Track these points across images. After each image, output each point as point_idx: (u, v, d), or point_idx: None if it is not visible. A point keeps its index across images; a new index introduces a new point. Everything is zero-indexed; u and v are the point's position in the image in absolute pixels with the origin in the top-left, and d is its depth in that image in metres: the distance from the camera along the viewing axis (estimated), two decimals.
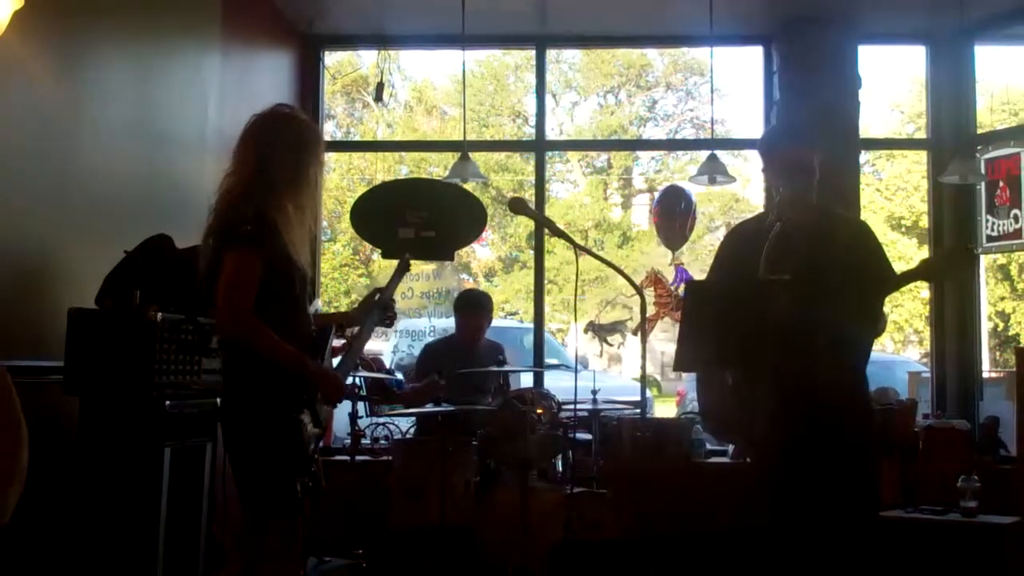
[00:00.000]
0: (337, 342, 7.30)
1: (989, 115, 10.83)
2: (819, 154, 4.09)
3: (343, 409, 6.66)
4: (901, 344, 19.97)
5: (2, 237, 3.66)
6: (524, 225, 18.28)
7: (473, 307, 6.44)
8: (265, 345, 3.34)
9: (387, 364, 8.24)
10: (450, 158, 7.18)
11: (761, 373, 3.91)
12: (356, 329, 4.04)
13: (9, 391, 3.14)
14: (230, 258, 3.32)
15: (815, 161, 4.06)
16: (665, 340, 18.73)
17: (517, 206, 4.33)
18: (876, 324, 4.00)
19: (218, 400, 3.63)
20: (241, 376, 3.44)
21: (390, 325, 4.21)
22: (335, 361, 4.06)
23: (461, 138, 7.14)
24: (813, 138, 4.15)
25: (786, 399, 3.87)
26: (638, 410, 5.94)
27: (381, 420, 7.15)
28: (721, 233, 21.64)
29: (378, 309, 4.03)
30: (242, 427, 3.44)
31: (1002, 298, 19.31)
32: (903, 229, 18.72)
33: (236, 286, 3.31)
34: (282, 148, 3.49)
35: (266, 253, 3.34)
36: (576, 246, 4.26)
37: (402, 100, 20.65)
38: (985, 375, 7.52)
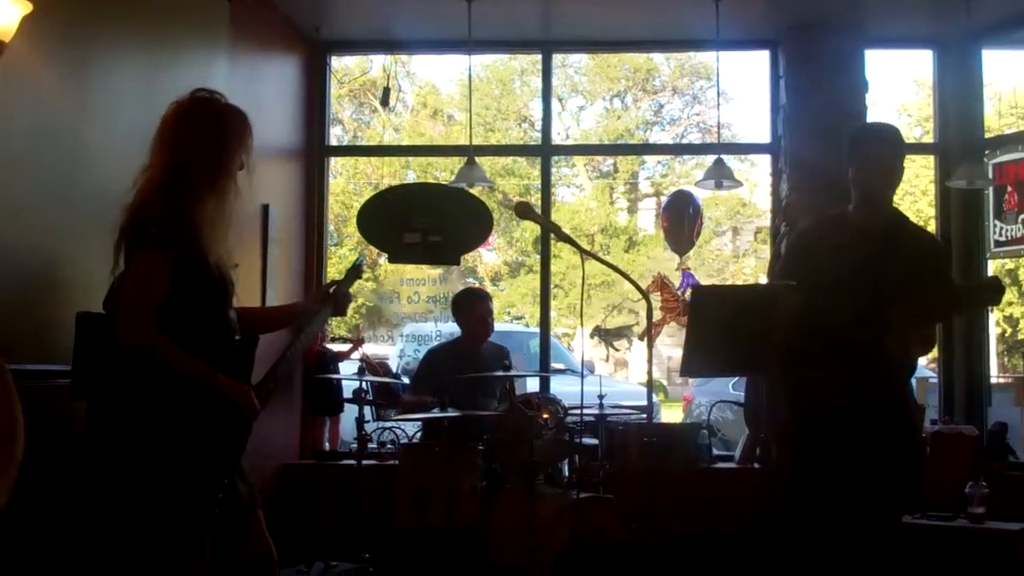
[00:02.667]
0: (343, 347, 7.35)
1: (997, 119, 10.82)
2: (902, 159, 4.04)
3: (350, 413, 6.67)
4: None
5: (10, 241, 3.66)
6: (530, 229, 18.29)
7: (473, 300, 6.44)
8: (167, 356, 3.12)
9: (393, 368, 8.25)
10: (456, 162, 7.18)
11: (776, 377, 3.94)
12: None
13: (4, 382, 2.82)
14: (135, 260, 3.14)
15: (897, 165, 4.01)
16: (672, 345, 18.76)
17: (523, 211, 4.31)
18: (918, 343, 3.94)
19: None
20: (139, 390, 3.19)
21: (343, 314, 3.99)
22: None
23: (467, 143, 7.13)
24: (898, 141, 4.10)
25: (802, 405, 3.89)
26: (645, 415, 5.93)
27: (387, 425, 7.16)
28: (728, 238, 21.66)
29: (330, 303, 3.80)
30: (132, 451, 3.17)
31: (1010, 303, 19.26)
32: None
33: (137, 291, 3.11)
34: (199, 137, 3.29)
35: (175, 255, 3.13)
36: (582, 251, 4.25)
37: (409, 104, 20.69)
38: (993, 380, 7.50)
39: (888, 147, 4.03)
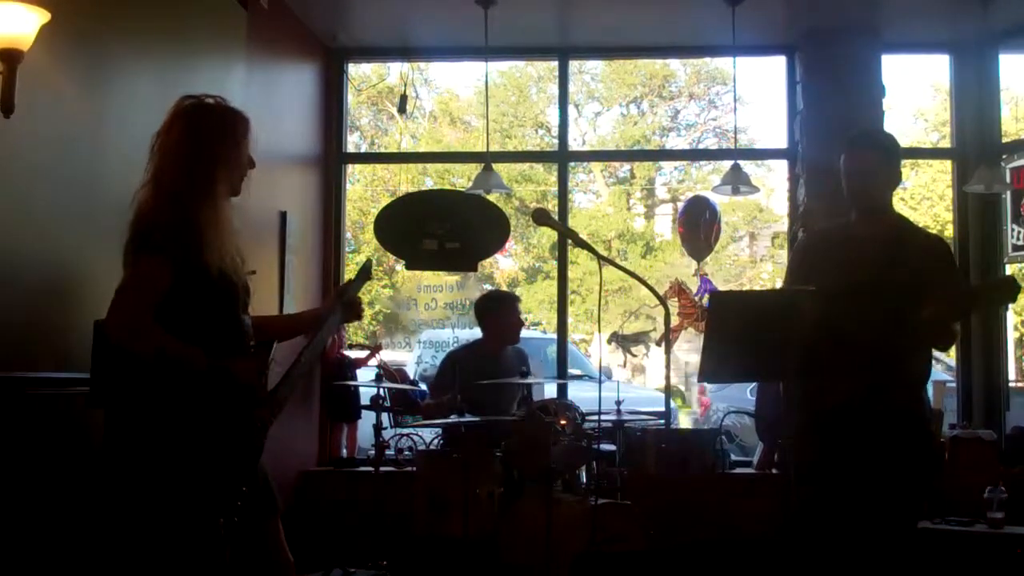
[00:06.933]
0: (360, 354, 7.37)
1: (1014, 124, 10.76)
2: (886, 161, 4.02)
3: (367, 420, 6.69)
4: None
5: (29, 250, 3.68)
6: (547, 236, 18.27)
7: (503, 303, 6.43)
8: (157, 347, 3.06)
9: (411, 375, 8.26)
10: (473, 169, 7.20)
11: (791, 383, 3.93)
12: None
13: None
14: (135, 261, 3.13)
15: (877, 169, 3.99)
16: (689, 351, 18.72)
17: (540, 217, 4.31)
18: (927, 341, 3.93)
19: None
20: (156, 398, 3.18)
21: (358, 318, 3.98)
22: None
23: (484, 149, 7.15)
24: (876, 145, 4.07)
25: (816, 409, 3.88)
26: (662, 421, 5.93)
27: (405, 431, 7.18)
28: (745, 243, 21.60)
29: (342, 308, 3.76)
30: (151, 458, 3.16)
31: None
32: None
33: (131, 290, 3.09)
34: (189, 142, 3.27)
35: (178, 260, 3.11)
36: (599, 257, 4.25)
37: (426, 111, 20.73)
38: (1011, 385, 7.46)
39: (864, 152, 4.01)
